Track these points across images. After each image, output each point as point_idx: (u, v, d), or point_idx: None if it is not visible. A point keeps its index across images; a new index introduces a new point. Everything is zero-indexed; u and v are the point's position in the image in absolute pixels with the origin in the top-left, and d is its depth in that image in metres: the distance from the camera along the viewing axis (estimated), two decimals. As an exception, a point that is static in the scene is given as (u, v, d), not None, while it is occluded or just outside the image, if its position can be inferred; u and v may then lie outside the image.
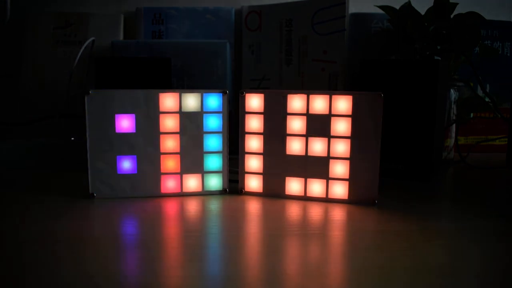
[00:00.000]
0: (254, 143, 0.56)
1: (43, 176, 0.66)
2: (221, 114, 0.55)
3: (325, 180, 0.54)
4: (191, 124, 0.55)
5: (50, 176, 0.66)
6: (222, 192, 0.56)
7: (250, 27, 0.90)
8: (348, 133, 0.52)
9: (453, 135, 0.78)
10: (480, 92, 0.81)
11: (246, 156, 0.56)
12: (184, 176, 0.55)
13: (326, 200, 0.54)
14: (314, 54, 0.84)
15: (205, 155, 0.55)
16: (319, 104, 0.53)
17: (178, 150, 0.55)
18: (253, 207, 0.52)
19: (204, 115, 0.55)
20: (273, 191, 0.55)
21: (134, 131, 0.54)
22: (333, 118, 0.53)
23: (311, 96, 0.53)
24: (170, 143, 0.55)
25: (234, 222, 0.47)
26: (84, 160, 0.54)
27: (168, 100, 0.54)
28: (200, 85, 0.81)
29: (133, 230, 0.45)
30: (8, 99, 0.91)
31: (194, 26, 0.90)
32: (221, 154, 0.56)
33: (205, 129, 0.55)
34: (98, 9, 0.93)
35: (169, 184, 0.55)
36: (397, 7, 0.74)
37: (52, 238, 0.41)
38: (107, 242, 0.41)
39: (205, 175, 0.56)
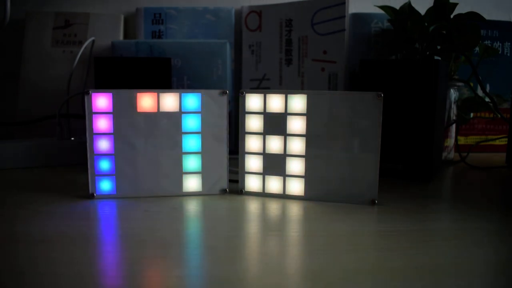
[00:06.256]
0: (254, 143, 0.56)
1: (43, 176, 0.66)
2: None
3: (325, 180, 0.54)
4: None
5: (50, 176, 0.66)
6: (222, 192, 0.56)
7: (250, 27, 0.90)
8: (348, 133, 0.52)
9: (453, 135, 0.78)
10: (480, 92, 0.81)
11: (246, 156, 0.56)
12: (184, 176, 0.55)
13: (326, 200, 0.54)
14: (314, 54, 0.84)
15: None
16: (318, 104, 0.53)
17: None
18: (253, 207, 0.52)
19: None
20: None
21: (134, 131, 0.54)
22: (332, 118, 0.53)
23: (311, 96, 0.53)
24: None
25: (234, 222, 0.48)
26: (84, 160, 0.54)
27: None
28: (200, 85, 0.81)
29: (133, 230, 0.45)
30: (8, 99, 0.91)
31: (194, 26, 0.90)
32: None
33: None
34: (98, 9, 0.93)
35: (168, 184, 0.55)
36: (397, 7, 0.74)
37: (52, 238, 0.41)
38: (107, 242, 0.41)
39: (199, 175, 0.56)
